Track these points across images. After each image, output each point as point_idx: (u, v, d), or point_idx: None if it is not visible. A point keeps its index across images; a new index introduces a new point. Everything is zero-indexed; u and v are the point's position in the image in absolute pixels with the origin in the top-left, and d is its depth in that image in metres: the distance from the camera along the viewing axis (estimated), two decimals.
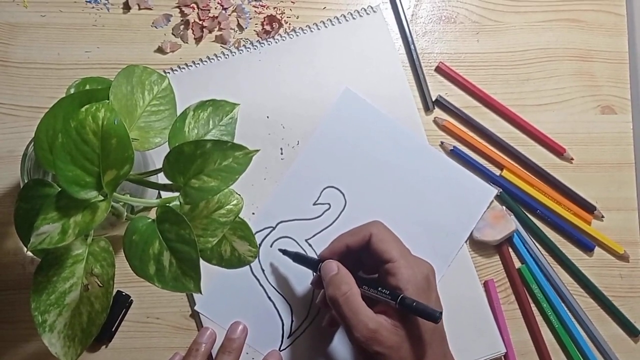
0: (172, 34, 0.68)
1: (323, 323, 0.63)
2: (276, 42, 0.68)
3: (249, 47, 0.67)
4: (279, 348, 0.63)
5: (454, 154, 0.67)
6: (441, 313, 0.51)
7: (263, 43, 0.68)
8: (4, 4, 0.67)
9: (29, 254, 0.61)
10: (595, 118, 0.69)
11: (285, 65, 0.67)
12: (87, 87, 0.48)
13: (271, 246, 0.65)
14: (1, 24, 0.67)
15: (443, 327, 0.56)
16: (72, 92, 0.48)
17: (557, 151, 0.68)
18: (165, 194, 0.52)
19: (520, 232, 0.66)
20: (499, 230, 0.65)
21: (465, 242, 0.66)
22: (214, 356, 0.62)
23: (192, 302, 0.64)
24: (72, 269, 0.45)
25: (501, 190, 0.67)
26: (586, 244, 0.67)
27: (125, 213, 0.49)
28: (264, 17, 0.68)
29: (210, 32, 0.68)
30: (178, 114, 0.51)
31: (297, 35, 0.68)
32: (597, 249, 0.68)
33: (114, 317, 0.63)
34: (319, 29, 0.68)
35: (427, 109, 0.68)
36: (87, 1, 0.67)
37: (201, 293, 0.44)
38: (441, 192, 0.66)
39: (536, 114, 0.69)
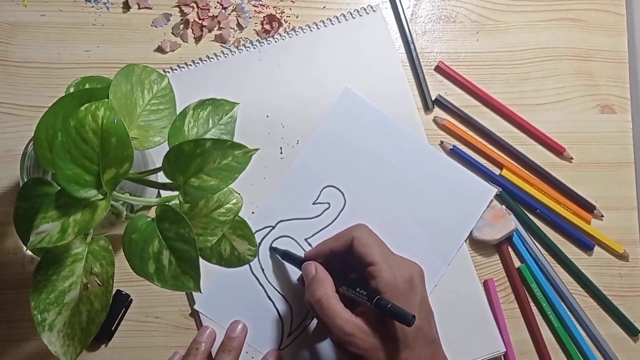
0: (172, 33, 0.68)
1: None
2: (276, 42, 0.68)
3: (248, 47, 0.67)
4: (279, 347, 0.63)
5: (454, 153, 0.67)
6: (414, 316, 0.50)
7: (263, 42, 0.68)
8: (4, 3, 0.67)
9: (29, 252, 0.61)
10: (595, 117, 0.69)
11: (284, 64, 0.67)
12: (87, 86, 0.48)
13: (271, 245, 0.65)
14: (1, 23, 0.67)
15: (432, 330, 0.56)
16: (71, 91, 0.48)
17: (557, 150, 0.68)
18: (164, 193, 0.52)
19: (519, 232, 0.66)
20: (498, 229, 0.65)
21: (465, 241, 0.66)
22: (213, 355, 0.62)
23: (191, 301, 0.64)
24: (72, 268, 0.45)
25: (501, 189, 0.67)
26: (586, 243, 0.67)
27: (125, 212, 0.49)
28: (264, 17, 0.68)
29: (209, 31, 0.68)
30: (178, 113, 0.51)
31: (296, 35, 0.68)
32: (596, 248, 0.68)
33: (114, 316, 0.63)
34: (318, 28, 0.68)
35: (427, 109, 0.68)
36: (86, 0, 0.67)
37: (201, 292, 0.44)
38: (441, 191, 0.66)
39: (536, 113, 0.69)
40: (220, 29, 0.68)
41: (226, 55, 0.67)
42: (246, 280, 0.64)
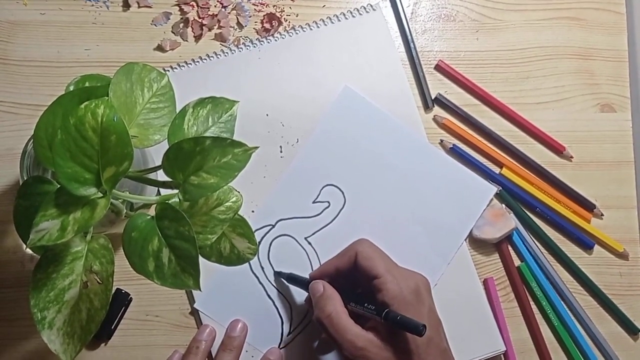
0: (172, 31, 0.68)
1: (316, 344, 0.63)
2: (276, 40, 0.68)
3: (248, 45, 0.67)
4: (279, 346, 0.63)
5: (454, 152, 0.67)
6: (424, 326, 0.50)
7: (262, 41, 0.68)
8: (4, 1, 0.67)
9: (28, 251, 0.61)
10: (595, 116, 0.69)
11: (284, 63, 0.67)
12: (87, 84, 0.48)
13: (270, 244, 0.65)
14: (1, 22, 0.67)
15: (442, 340, 0.56)
16: (71, 89, 0.47)
17: (557, 149, 0.68)
18: (164, 191, 0.52)
19: (519, 230, 0.66)
20: (498, 228, 0.65)
21: (465, 240, 0.66)
22: (213, 354, 0.62)
23: (191, 300, 0.64)
24: (72, 266, 0.45)
25: (501, 188, 0.67)
26: (586, 242, 0.67)
27: (125, 210, 0.49)
28: (264, 15, 0.68)
29: (209, 30, 0.68)
30: (177, 111, 0.51)
31: (296, 33, 0.68)
32: (596, 247, 0.68)
33: (114, 315, 0.63)
34: (318, 27, 0.68)
35: (427, 107, 0.68)
36: None
37: (200, 290, 0.44)
38: (441, 190, 0.66)
39: (536, 112, 0.69)
40: (220, 27, 0.68)
41: (226, 54, 0.67)
42: (246, 279, 0.64)
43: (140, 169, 0.53)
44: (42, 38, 0.66)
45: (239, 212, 0.49)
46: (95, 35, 0.67)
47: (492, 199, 0.66)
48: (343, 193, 0.66)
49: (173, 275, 0.44)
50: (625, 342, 0.66)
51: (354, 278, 0.58)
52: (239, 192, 0.49)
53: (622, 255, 0.68)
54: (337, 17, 0.68)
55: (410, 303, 0.54)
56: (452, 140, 0.68)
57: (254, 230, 0.53)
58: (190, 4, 0.68)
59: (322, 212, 0.66)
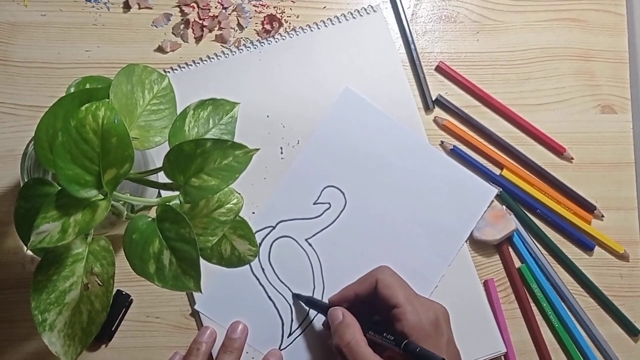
0: (172, 33, 0.68)
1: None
2: (276, 42, 0.68)
3: (249, 47, 0.67)
4: (279, 347, 0.63)
5: (454, 153, 0.67)
6: (444, 359, 0.50)
7: (263, 42, 0.68)
8: (4, 3, 0.67)
9: (29, 252, 0.61)
10: (596, 117, 0.69)
11: (285, 64, 0.67)
12: (87, 86, 0.48)
13: (271, 245, 0.65)
14: (1, 23, 0.67)
15: None
16: (72, 91, 0.48)
17: (557, 150, 0.68)
18: (165, 193, 0.52)
19: (520, 232, 0.66)
20: (499, 229, 0.65)
21: (466, 241, 0.66)
22: (214, 356, 0.62)
23: (192, 301, 0.64)
24: (72, 268, 0.45)
25: (501, 189, 0.67)
26: (586, 243, 0.67)
27: (125, 212, 0.49)
28: (264, 17, 0.68)
29: (210, 31, 0.68)
30: (178, 113, 0.51)
31: (297, 35, 0.68)
32: (597, 249, 0.68)
33: (114, 316, 0.63)
34: (319, 28, 0.68)
35: (427, 109, 0.68)
36: (87, 0, 0.67)
37: (201, 292, 0.44)
38: (441, 192, 0.66)
39: (536, 114, 0.69)
40: (220, 29, 0.68)
41: (226, 55, 0.67)
42: (246, 281, 0.64)
43: (141, 170, 0.53)
44: (42, 39, 0.67)
45: (240, 214, 0.49)
46: (95, 36, 0.67)
47: (492, 201, 0.66)
48: (344, 194, 0.66)
49: (174, 277, 0.44)
50: (625, 344, 0.66)
51: (373, 304, 0.58)
52: (239, 193, 0.49)
53: (623, 257, 0.68)
54: (337, 18, 0.68)
55: (429, 334, 0.54)
56: (452, 142, 0.68)
57: (254, 231, 0.53)
58: (191, 5, 0.68)
59: (322, 213, 0.66)
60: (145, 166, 0.55)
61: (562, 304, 0.66)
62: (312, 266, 0.65)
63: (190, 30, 0.68)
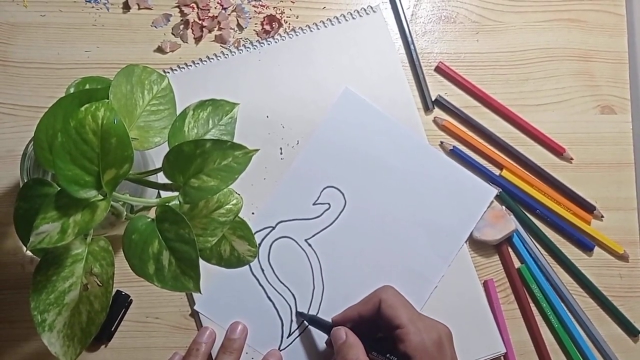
0: (172, 33, 0.68)
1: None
2: (276, 42, 0.68)
3: (248, 47, 0.67)
4: (279, 348, 0.63)
5: (454, 153, 0.67)
6: None
7: (263, 43, 0.68)
8: (4, 3, 0.67)
9: (29, 253, 0.61)
10: (595, 118, 0.69)
11: (284, 65, 0.67)
12: (87, 86, 0.48)
13: (271, 246, 0.65)
14: (1, 24, 0.67)
15: None
16: (71, 91, 0.48)
17: (557, 151, 0.68)
18: (164, 194, 0.52)
19: (519, 232, 0.66)
20: (498, 229, 0.65)
21: (465, 242, 0.66)
22: (214, 356, 0.62)
23: (191, 302, 0.64)
24: (72, 269, 0.45)
25: (501, 190, 0.67)
26: (586, 243, 0.67)
27: (125, 212, 0.49)
28: (264, 17, 0.68)
29: (209, 31, 0.68)
30: (178, 113, 0.51)
31: (296, 35, 0.68)
32: (596, 249, 0.68)
33: (114, 317, 0.63)
34: (318, 28, 0.68)
35: (427, 109, 0.68)
36: (86, 1, 0.67)
37: (200, 292, 0.44)
38: (441, 192, 0.66)
39: (536, 114, 0.69)
40: (220, 29, 0.68)
41: (226, 56, 0.67)
42: (246, 281, 0.64)
43: (141, 171, 0.53)
44: (42, 40, 0.67)
45: (239, 215, 0.49)
46: (95, 37, 0.67)
47: (492, 201, 0.66)
48: (343, 195, 0.66)
49: (173, 278, 0.44)
50: (625, 344, 0.66)
51: (376, 324, 0.58)
52: (239, 194, 0.49)
53: (622, 257, 0.68)
54: (337, 18, 0.68)
55: (431, 355, 0.54)
56: (452, 142, 0.68)
57: (254, 232, 0.53)
58: (191, 5, 0.68)
59: (322, 213, 0.66)
60: (144, 167, 0.55)
61: (562, 304, 0.66)
62: (311, 267, 0.65)
63: (189, 31, 0.68)
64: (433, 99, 0.68)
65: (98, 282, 0.45)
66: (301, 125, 0.67)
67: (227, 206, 0.49)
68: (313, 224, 0.65)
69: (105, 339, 0.63)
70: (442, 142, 0.68)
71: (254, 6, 0.69)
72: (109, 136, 0.42)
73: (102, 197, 0.44)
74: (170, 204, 0.46)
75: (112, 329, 0.63)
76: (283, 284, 0.64)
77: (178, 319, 0.64)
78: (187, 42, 0.68)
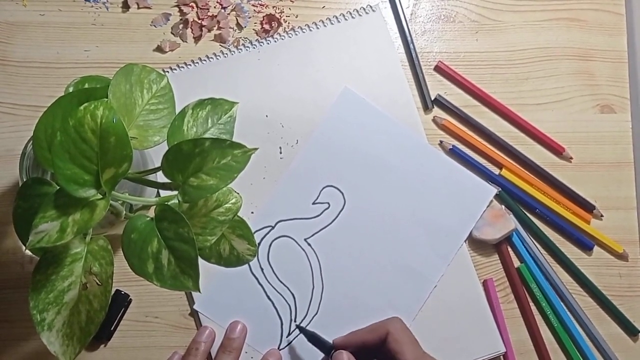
0: (171, 33, 0.68)
1: None
2: (275, 41, 0.68)
3: (248, 46, 0.67)
4: (278, 347, 0.63)
5: (453, 153, 0.67)
6: None
7: (262, 42, 0.68)
8: (3, 2, 0.67)
9: (28, 252, 0.61)
10: (595, 117, 0.69)
11: (284, 64, 0.67)
12: (86, 85, 0.48)
13: (270, 245, 0.65)
14: (0, 23, 0.66)
15: None
16: (70, 90, 0.48)
17: (557, 150, 0.68)
18: (164, 193, 0.52)
19: (519, 231, 0.66)
20: (498, 229, 0.65)
21: (465, 241, 0.66)
22: (213, 355, 0.62)
23: (191, 301, 0.64)
24: (71, 268, 0.45)
25: (500, 189, 0.67)
26: (585, 243, 0.67)
27: (124, 211, 0.49)
28: (263, 16, 0.68)
29: (209, 31, 0.68)
30: (177, 112, 0.51)
31: (296, 35, 0.68)
32: (596, 248, 0.68)
33: (113, 316, 0.63)
34: (318, 28, 0.68)
35: (426, 108, 0.68)
36: (86, 0, 0.67)
37: (200, 292, 0.44)
38: (440, 191, 0.66)
39: (535, 113, 0.69)
40: (219, 28, 0.68)
41: (225, 55, 0.67)
42: (245, 280, 0.64)
43: (140, 170, 0.53)
44: (41, 39, 0.66)
45: (239, 214, 0.49)
46: (94, 36, 0.67)
47: (491, 200, 0.66)
48: (343, 194, 0.66)
49: (172, 277, 0.44)
50: (624, 343, 0.66)
51: (378, 352, 0.58)
52: (238, 193, 0.49)
53: (622, 256, 0.68)
54: (336, 18, 0.68)
55: None
56: (451, 141, 0.68)
57: (253, 231, 0.53)
58: (190, 5, 0.68)
59: (321, 213, 0.66)
60: (143, 166, 0.55)
61: (561, 303, 0.66)
62: (311, 266, 0.65)
63: (189, 30, 0.68)
64: (432, 98, 0.68)
65: (97, 281, 0.45)
66: (300, 125, 0.67)
67: (226, 205, 0.49)
68: (312, 224, 0.65)
69: (105, 338, 0.63)
70: (441, 142, 0.68)
71: (253, 5, 0.69)
72: (108, 135, 0.42)
73: (101, 196, 0.44)
74: (169, 203, 0.46)
75: (112, 328, 0.63)
76: (282, 283, 0.64)
77: (177, 318, 0.64)
78: (186, 42, 0.67)
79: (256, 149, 0.45)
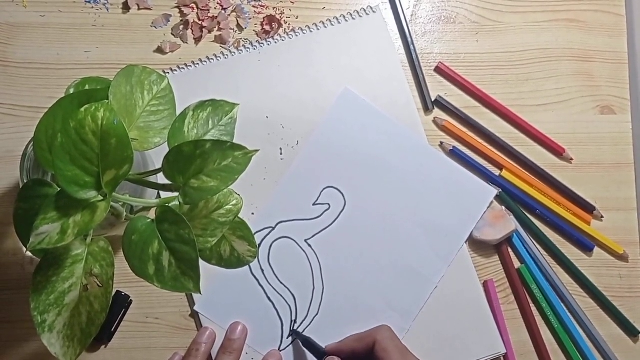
0: (172, 34, 0.68)
1: None
2: (275, 42, 0.68)
3: (248, 47, 0.67)
4: (279, 348, 0.63)
5: (454, 154, 0.67)
6: None
7: (262, 43, 0.68)
8: (3, 3, 0.67)
9: (28, 254, 0.61)
10: (595, 118, 0.69)
11: (284, 65, 0.67)
12: (87, 87, 0.48)
13: (270, 246, 0.65)
14: (0, 24, 0.67)
15: None
16: (71, 92, 0.48)
17: (557, 151, 0.68)
18: (164, 194, 0.52)
19: (519, 232, 0.66)
20: (498, 230, 0.65)
21: (465, 242, 0.66)
22: (214, 356, 0.62)
23: (191, 302, 0.64)
24: (72, 269, 0.45)
25: (500, 190, 0.67)
26: (585, 244, 0.67)
27: (125, 213, 0.49)
28: (264, 17, 0.68)
29: (209, 32, 0.68)
30: (177, 114, 0.51)
31: (296, 36, 0.68)
32: (596, 249, 0.68)
33: (114, 317, 0.63)
34: (318, 29, 0.68)
35: (427, 109, 0.68)
36: (86, 1, 0.67)
37: (200, 293, 0.44)
38: (441, 192, 0.66)
39: (535, 114, 0.69)
40: (220, 29, 0.68)
41: (226, 56, 0.67)
42: (246, 281, 0.64)
43: (141, 172, 0.53)
44: (41, 40, 0.67)
45: (239, 215, 0.49)
46: (95, 37, 0.67)
47: (492, 201, 0.66)
48: (343, 195, 0.66)
49: (173, 279, 0.44)
50: (625, 344, 0.66)
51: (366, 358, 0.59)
52: (239, 194, 0.49)
53: (622, 257, 0.68)
54: (337, 19, 0.68)
55: None
56: (452, 143, 0.68)
57: (253, 232, 0.53)
58: (190, 6, 0.68)
59: (322, 214, 0.66)
60: (144, 167, 0.55)
61: (562, 304, 0.66)
62: (311, 267, 0.65)
63: (189, 31, 0.68)
64: (433, 100, 0.68)
65: (98, 282, 0.45)
66: (301, 126, 0.67)
67: (227, 207, 0.49)
68: (313, 225, 0.65)
69: (105, 339, 0.63)
70: (442, 143, 0.68)
71: (253, 6, 0.69)
72: (108, 137, 0.42)
73: (102, 198, 0.44)
74: (170, 205, 0.46)
75: (112, 330, 0.63)
76: (283, 284, 0.64)
77: (178, 320, 0.64)
78: (187, 43, 0.68)
79: (257, 150, 0.45)
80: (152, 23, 0.68)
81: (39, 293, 0.44)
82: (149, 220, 0.46)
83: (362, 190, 0.66)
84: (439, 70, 0.69)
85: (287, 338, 0.64)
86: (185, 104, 0.52)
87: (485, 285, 0.66)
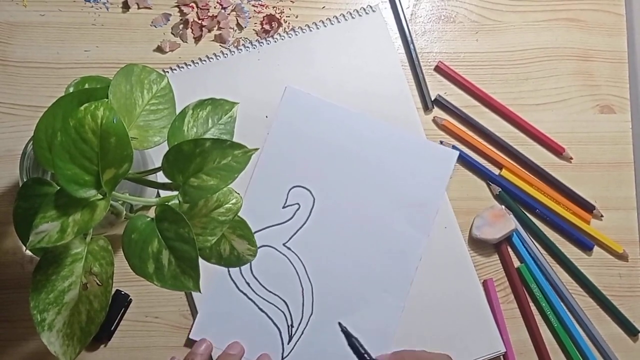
0: (172, 33, 0.68)
1: None
2: (275, 42, 0.68)
3: (248, 47, 0.67)
4: (282, 356, 0.63)
5: None
6: None
7: (262, 42, 0.68)
8: (3, 3, 0.67)
9: (28, 252, 0.61)
10: (594, 117, 0.69)
11: (284, 64, 0.67)
12: (86, 86, 0.48)
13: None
14: (0, 23, 0.67)
15: None
16: (71, 91, 0.48)
17: (556, 150, 0.68)
18: (164, 193, 0.52)
19: (519, 232, 0.66)
20: (498, 229, 0.65)
21: (465, 241, 0.66)
22: None
23: (191, 301, 0.64)
24: (71, 268, 0.45)
25: (500, 189, 0.67)
26: (585, 243, 0.67)
27: (124, 212, 0.49)
28: (263, 17, 0.68)
29: (209, 31, 0.68)
30: (177, 113, 0.51)
31: (296, 35, 0.68)
32: (596, 248, 0.68)
33: (113, 316, 0.63)
34: (318, 28, 0.68)
35: (427, 109, 0.68)
36: (86, 0, 0.67)
37: (200, 292, 0.44)
38: (404, 166, 0.66)
39: (535, 114, 0.69)
40: (219, 29, 0.68)
41: (225, 55, 0.67)
42: (235, 299, 0.63)
43: (140, 170, 0.53)
44: (41, 39, 0.66)
45: (239, 214, 0.49)
46: (94, 36, 0.67)
47: (455, 166, 0.66)
48: (310, 192, 0.65)
49: (173, 277, 0.44)
50: (624, 343, 0.66)
51: None
52: (238, 193, 0.49)
53: (622, 257, 0.68)
54: (336, 18, 0.68)
55: None
56: (451, 142, 0.68)
57: None
58: (190, 5, 0.68)
59: (294, 215, 0.65)
60: (144, 166, 0.55)
61: (561, 303, 0.66)
62: (295, 269, 0.64)
63: (189, 30, 0.68)
64: (432, 99, 0.68)
65: (97, 281, 0.45)
66: None
67: (226, 205, 0.49)
68: (287, 227, 0.65)
69: (105, 338, 0.63)
70: (441, 142, 0.68)
71: (253, 6, 0.69)
72: (108, 135, 0.42)
73: (101, 197, 0.44)
74: (169, 203, 0.46)
75: (112, 329, 0.63)
76: (272, 292, 0.64)
77: (177, 319, 0.64)
78: (186, 42, 0.67)
79: (256, 149, 0.45)
80: (152, 22, 0.68)
81: (39, 292, 0.44)
82: (148, 219, 0.46)
83: (328, 182, 0.65)
84: (438, 69, 0.69)
85: (289, 344, 0.63)
86: (185, 102, 0.51)
87: (484, 284, 0.66)
